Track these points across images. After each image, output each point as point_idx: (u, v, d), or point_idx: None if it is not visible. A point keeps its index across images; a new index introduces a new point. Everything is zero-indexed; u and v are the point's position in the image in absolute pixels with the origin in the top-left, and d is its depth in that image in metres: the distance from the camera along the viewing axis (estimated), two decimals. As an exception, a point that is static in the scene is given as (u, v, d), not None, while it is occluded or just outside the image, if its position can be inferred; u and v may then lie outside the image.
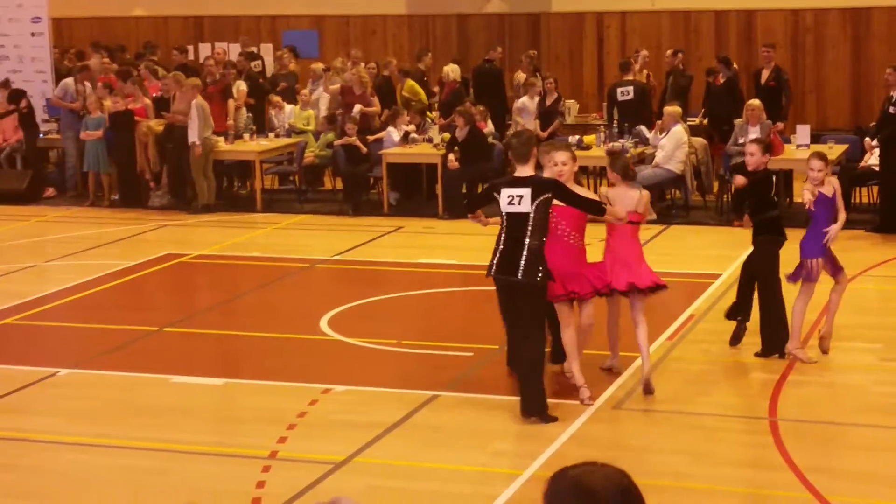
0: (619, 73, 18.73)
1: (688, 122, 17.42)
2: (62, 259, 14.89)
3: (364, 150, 17.74)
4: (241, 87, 19.67)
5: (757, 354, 10.27)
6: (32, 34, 21.37)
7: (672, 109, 16.82)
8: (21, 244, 15.91)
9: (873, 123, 16.76)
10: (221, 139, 18.11)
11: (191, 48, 23.30)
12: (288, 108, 19.68)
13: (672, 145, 16.42)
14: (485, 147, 17.41)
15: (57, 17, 23.06)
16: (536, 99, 18.66)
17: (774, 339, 10.20)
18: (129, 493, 7.93)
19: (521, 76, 20.34)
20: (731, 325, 10.60)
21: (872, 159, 16.21)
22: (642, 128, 17.37)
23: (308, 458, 8.31)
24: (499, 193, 8.89)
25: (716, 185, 17.24)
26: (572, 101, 20.93)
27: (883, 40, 21.15)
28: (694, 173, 16.97)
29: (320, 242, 15.77)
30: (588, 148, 17.05)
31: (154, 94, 18.89)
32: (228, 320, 12.17)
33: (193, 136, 17.42)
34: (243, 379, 10.21)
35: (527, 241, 8.74)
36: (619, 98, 18.00)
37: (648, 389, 9.39)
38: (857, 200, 16.57)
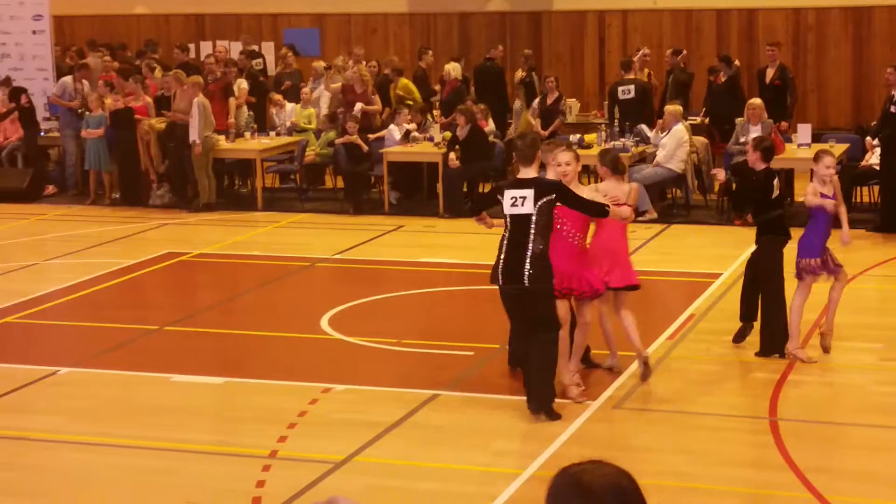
0: (621, 71, 18.72)
1: (689, 121, 17.41)
2: (63, 257, 14.90)
3: (365, 148, 17.74)
4: (242, 85, 19.67)
5: (757, 354, 10.27)
6: (34, 32, 21.40)
7: (673, 108, 16.82)
8: (22, 242, 15.92)
9: (874, 123, 16.76)
10: (222, 137, 18.11)
11: (192, 46, 23.29)
12: (289, 106, 19.67)
13: (673, 144, 16.41)
14: (486, 146, 17.41)
15: (58, 15, 23.08)
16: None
17: (775, 339, 10.20)
18: (129, 491, 7.93)
19: (521, 75, 20.35)
20: (733, 324, 10.60)
21: (873, 159, 16.21)
22: (643, 127, 17.36)
23: (308, 457, 8.31)
24: (502, 195, 8.89)
25: (717, 185, 17.22)
26: (573, 99, 20.94)
27: (884, 39, 21.14)
28: (695, 172, 16.96)
29: (321, 241, 15.77)
30: (589, 147, 17.04)
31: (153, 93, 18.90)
32: (229, 319, 12.17)
33: (194, 135, 17.41)
34: (244, 378, 10.21)
35: (530, 244, 8.72)
36: (621, 97, 17.99)
37: (647, 371, 9.60)
38: (858, 200, 16.56)
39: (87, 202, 18.48)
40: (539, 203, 8.73)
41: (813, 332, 10.69)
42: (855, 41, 21.35)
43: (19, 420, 9.32)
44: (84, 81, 19.66)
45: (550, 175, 9.28)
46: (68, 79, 19.78)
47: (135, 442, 8.69)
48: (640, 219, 15.06)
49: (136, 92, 18.61)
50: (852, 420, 8.99)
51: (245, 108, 19.54)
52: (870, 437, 8.72)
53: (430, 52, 21.27)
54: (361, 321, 11.78)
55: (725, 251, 14.17)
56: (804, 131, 16.75)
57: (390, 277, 13.91)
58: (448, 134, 17.56)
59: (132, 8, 25.24)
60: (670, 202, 17.24)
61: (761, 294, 10.29)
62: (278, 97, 19.95)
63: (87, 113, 18.68)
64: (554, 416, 8.87)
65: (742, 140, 15.98)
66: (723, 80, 18.43)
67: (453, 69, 19.68)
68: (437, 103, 20.01)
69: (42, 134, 19.97)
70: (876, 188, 16.31)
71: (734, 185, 10.93)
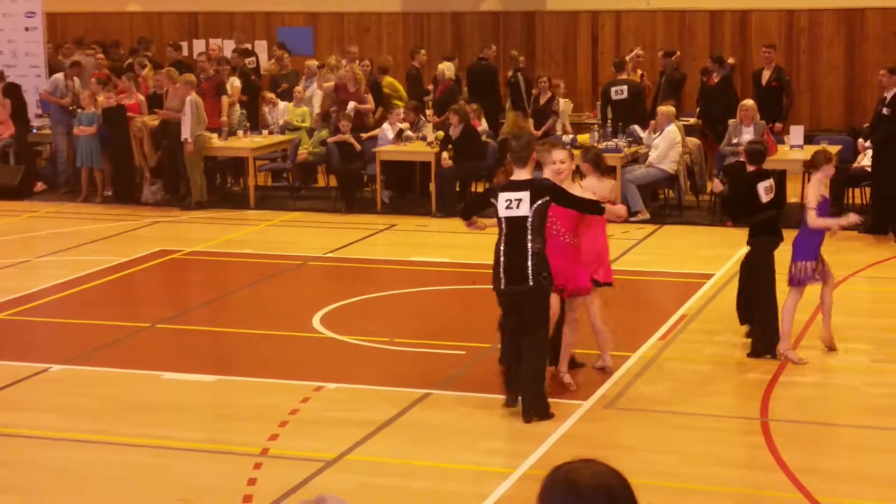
0: (614, 72, 18.72)
1: (681, 122, 17.42)
2: (54, 255, 14.87)
3: (358, 147, 17.73)
4: (234, 83, 19.64)
5: (749, 355, 10.28)
6: (26, 29, 21.35)
7: (666, 109, 16.84)
8: (13, 239, 15.88)
9: (867, 124, 16.78)
10: (215, 136, 18.09)
11: (185, 44, 23.25)
12: (282, 104, 19.65)
13: (666, 145, 16.43)
14: (479, 145, 17.40)
15: (51, 12, 23.01)
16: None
17: (766, 340, 10.21)
18: (121, 488, 7.93)
19: (508, 75, 20.33)
20: (725, 325, 10.61)
21: (865, 160, 16.23)
22: (636, 127, 17.36)
23: (300, 455, 8.31)
24: (496, 199, 8.88)
25: (709, 186, 17.23)
26: (566, 99, 20.93)
27: (877, 41, 21.16)
28: (687, 173, 16.98)
29: (313, 240, 15.76)
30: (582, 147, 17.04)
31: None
32: (221, 317, 12.16)
33: (186, 133, 17.39)
34: (235, 376, 10.19)
35: (529, 245, 8.72)
36: (613, 97, 18.00)
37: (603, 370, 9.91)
38: (850, 201, 16.58)
39: (79, 199, 18.45)
40: (535, 205, 8.73)
41: (804, 334, 10.70)
42: (848, 43, 21.37)
43: (10, 417, 9.30)
44: (75, 79, 19.62)
45: (547, 174, 9.29)
46: (60, 76, 19.74)
47: (126, 439, 8.68)
48: (631, 219, 15.08)
49: (128, 89, 18.58)
50: (843, 421, 9.01)
51: (238, 106, 19.51)
52: (861, 437, 8.74)
53: (424, 51, 21.25)
54: (353, 320, 11.78)
55: (718, 252, 14.19)
56: (796, 133, 16.77)
57: (382, 276, 13.90)
58: (441, 133, 17.55)
59: (125, 5, 25.19)
60: (663, 203, 17.25)
61: (754, 295, 10.30)
62: (271, 95, 19.92)
63: (80, 110, 18.65)
64: (547, 415, 8.87)
65: (734, 141, 15.99)
66: (716, 80, 18.44)
67: (447, 69, 19.67)
68: (430, 103, 19.99)
69: (34, 131, 19.93)
70: (867, 190, 16.34)
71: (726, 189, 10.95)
